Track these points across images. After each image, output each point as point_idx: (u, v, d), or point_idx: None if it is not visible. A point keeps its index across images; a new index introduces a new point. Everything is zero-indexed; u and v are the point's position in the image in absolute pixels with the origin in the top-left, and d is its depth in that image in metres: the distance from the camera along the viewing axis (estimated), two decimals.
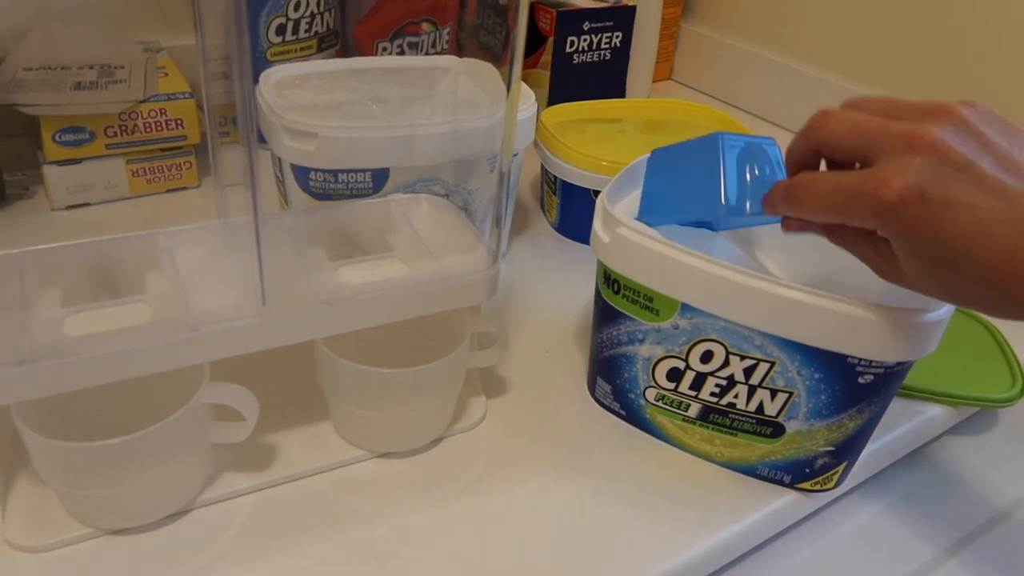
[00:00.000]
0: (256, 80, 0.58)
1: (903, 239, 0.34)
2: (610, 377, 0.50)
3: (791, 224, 0.40)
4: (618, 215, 0.45)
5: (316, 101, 0.59)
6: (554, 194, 0.70)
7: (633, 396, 0.49)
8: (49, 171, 0.66)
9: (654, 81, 1.07)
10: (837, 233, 0.39)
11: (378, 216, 0.50)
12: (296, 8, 0.74)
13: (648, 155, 0.51)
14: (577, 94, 0.90)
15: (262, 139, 0.56)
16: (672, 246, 0.43)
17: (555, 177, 0.69)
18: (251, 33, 0.75)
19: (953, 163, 0.33)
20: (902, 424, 0.52)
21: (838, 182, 0.36)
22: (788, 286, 0.40)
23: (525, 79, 0.91)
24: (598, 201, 0.48)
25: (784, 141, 0.42)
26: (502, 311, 0.60)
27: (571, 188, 0.67)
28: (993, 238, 0.32)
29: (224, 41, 0.39)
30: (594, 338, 0.51)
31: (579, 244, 0.70)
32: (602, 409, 0.52)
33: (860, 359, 0.40)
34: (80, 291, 0.41)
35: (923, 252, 0.34)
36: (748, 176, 0.42)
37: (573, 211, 0.70)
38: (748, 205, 0.41)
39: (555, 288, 0.64)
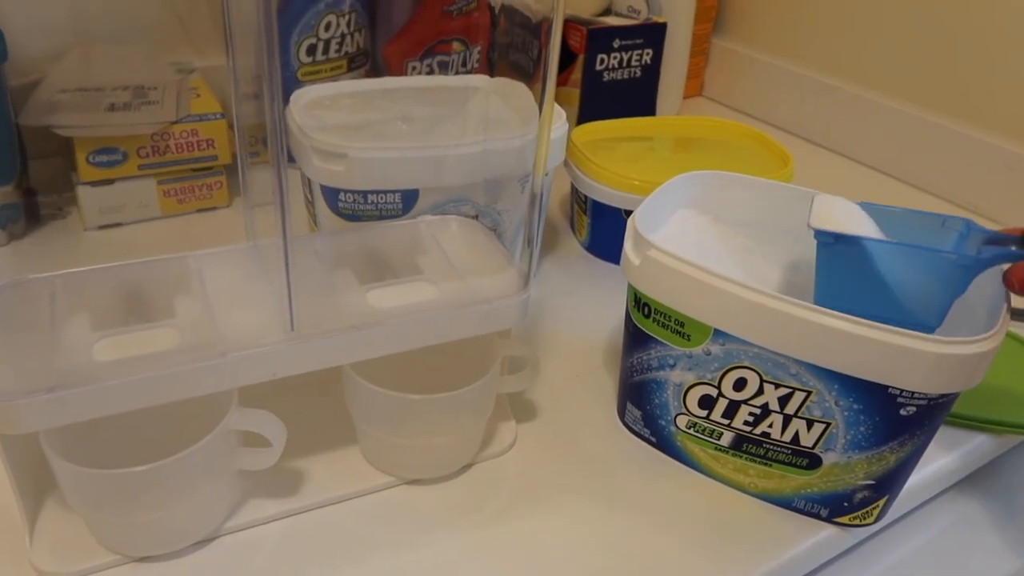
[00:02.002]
0: (287, 101, 0.58)
1: None
2: (640, 403, 0.49)
3: None
4: (649, 237, 0.44)
5: (346, 121, 0.59)
6: (584, 213, 0.70)
7: (664, 423, 0.48)
8: (83, 191, 0.66)
9: (685, 97, 1.06)
10: None
11: (407, 237, 0.49)
12: (327, 29, 0.75)
13: (685, 177, 0.51)
14: (607, 111, 0.89)
15: (291, 159, 0.56)
16: (705, 270, 0.42)
17: (585, 196, 0.68)
18: (282, 53, 0.76)
19: None
20: (946, 454, 0.50)
21: None
22: (825, 313, 0.39)
23: (555, 97, 0.90)
24: (629, 222, 0.47)
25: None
26: (532, 332, 0.60)
27: (601, 207, 0.67)
28: None
29: (255, 62, 0.39)
30: (624, 362, 0.50)
31: (609, 264, 0.69)
32: (632, 435, 0.51)
33: (902, 390, 0.39)
34: (110, 315, 0.41)
35: None
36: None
37: (604, 230, 0.69)
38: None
39: (585, 309, 0.63)
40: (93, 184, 0.66)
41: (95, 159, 0.65)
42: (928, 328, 0.42)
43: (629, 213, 0.66)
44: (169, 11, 0.81)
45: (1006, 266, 0.42)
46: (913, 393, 0.39)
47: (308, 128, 0.54)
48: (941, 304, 0.42)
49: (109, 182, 0.67)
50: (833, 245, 0.42)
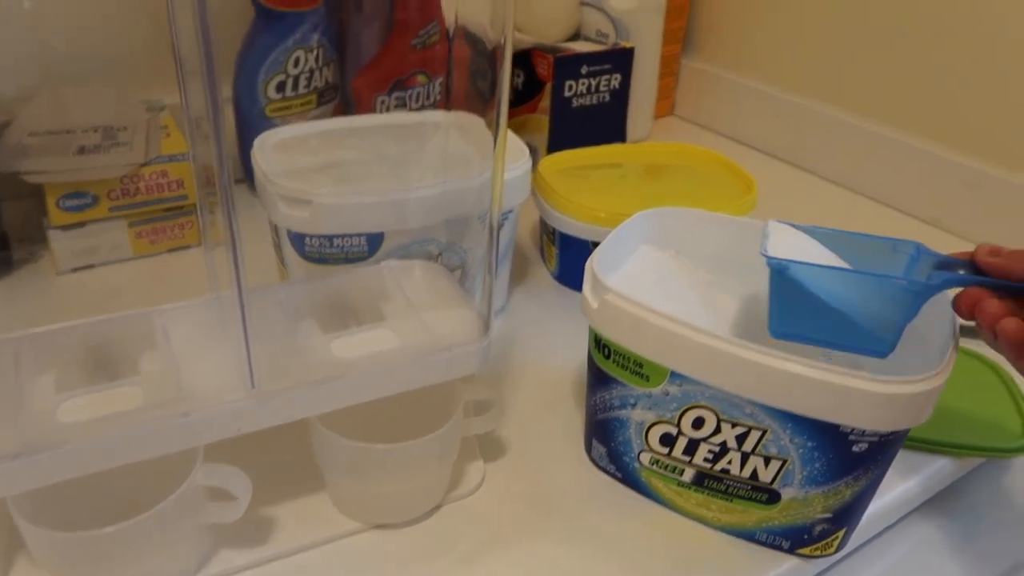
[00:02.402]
0: (251, 144, 0.59)
1: None
2: (605, 440, 0.50)
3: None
4: (605, 280, 0.45)
5: (310, 164, 0.60)
6: (553, 244, 0.71)
7: (628, 459, 0.49)
8: (54, 236, 0.67)
9: (657, 118, 1.07)
10: None
11: (371, 284, 0.50)
12: (295, 65, 0.75)
13: (653, 211, 0.52)
14: (577, 137, 0.90)
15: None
16: (660, 314, 0.43)
17: (553, 228, 0.69)
18: (249, 90, 0.76)
19: None
20: (905, 479, 0.51)
21: None
22: (773, 355, 0.40)
23: (524, 124, 0.91)
24: (587, 265, 0.48)
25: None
26: (501, 363, 0.60)
27: (569, 239, 0.68)
28: None
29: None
30: (588, 400, 0.51)
31: (579, 294, 0.70)
32: (599, 471, 0.52)
33: (853, 428, 0.40)
34: (75, 374, 0.41)
35: None
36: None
37: (572, 261, 0.70)
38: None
39: (554, 340, 0.64)
40: (64, 228, 0.67)
41: (65, 204, 0.66)
42: (880, 353, 0.43)
43: (596, 244, 0.67)
44: (138, 46, 0.82)
45: (956, 290, 0.43)
46: (864, 431, 0.40)
47: (273, 174, 0.55)
48: (893, 329, 0.43)
49: (80, 225, 0.67)
50: (785, 272, 0.43)
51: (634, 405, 0.47)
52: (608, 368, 0.47)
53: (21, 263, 0.70)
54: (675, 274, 0.53)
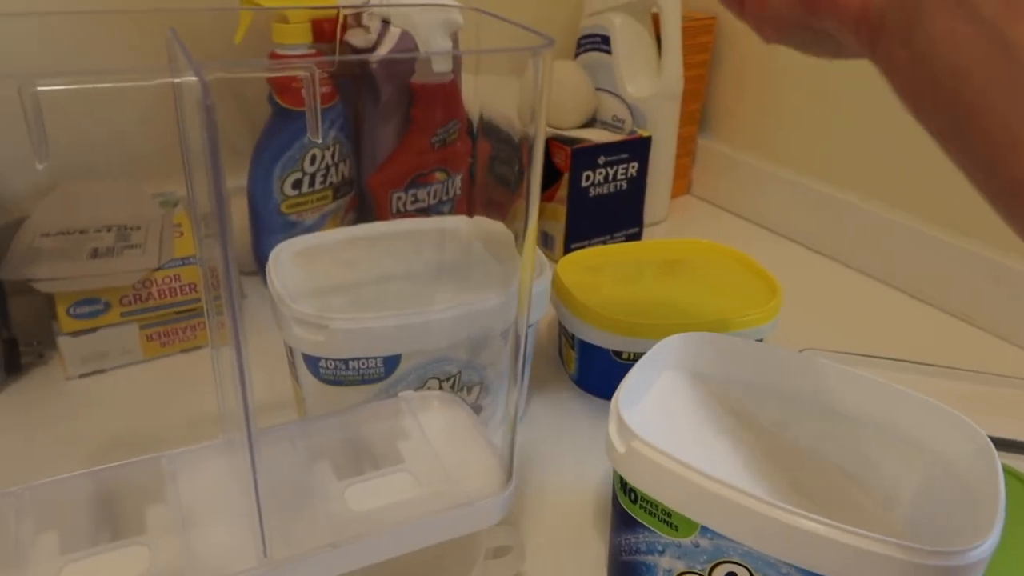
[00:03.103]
0: (267, 257, 0.58)
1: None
2: None
3: None
4: (633, 426, 0.43)
5: (327, 280, 0.59)
6: (572, 348, 0.69)
7: None
8: (64, 342, 0.66)
9: (673, 197, 1.06)
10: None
11: (388, 420, 0.49)
12: (312, 162, 0.75)
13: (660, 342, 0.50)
14: (595, 225, 0.89)
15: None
16: (688, 466, 0.41)
17: (572, 333, 0.67)
18: (265, 186, 0.76)
19: None
20: None
21: None
22: (809, 517, 0.38)
23: (540, 213, 0.91)
24: (612, 404, 0.46)
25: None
26: (520, 485, 0.58)
27: (589, 345, 0.66)
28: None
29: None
30: (612, 539, 0.48)
31: (599, 400, 0.68)
32: None
33: None
34: (79, 532, 0.40)
35: None
36: None
37: (592, 367, 0.68)
38: None
39: (575, 453, 0.62)
40: (74, 334, 0.66)
41: (76, 311, 0.65)
42: None
43: (617, 353, 0.65)
44: (150, 139, 0.82)
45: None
46: None
47: (287, 293, 0.53)
48: None
49: (91, 331, 0.66)
50: None
51: (662, 552, 0.45)
52: (635, 512, 0.45)
53: (30, 366, 0.68)
54: (703, 403, 0.52)
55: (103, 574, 0.37)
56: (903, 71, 0.31)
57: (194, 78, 0.27)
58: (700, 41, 1.00)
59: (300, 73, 0.36)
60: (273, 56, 0.72)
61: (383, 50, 0.73)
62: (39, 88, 0.29)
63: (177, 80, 0.29)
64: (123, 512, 0.41)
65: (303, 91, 0.37)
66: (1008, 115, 0.27)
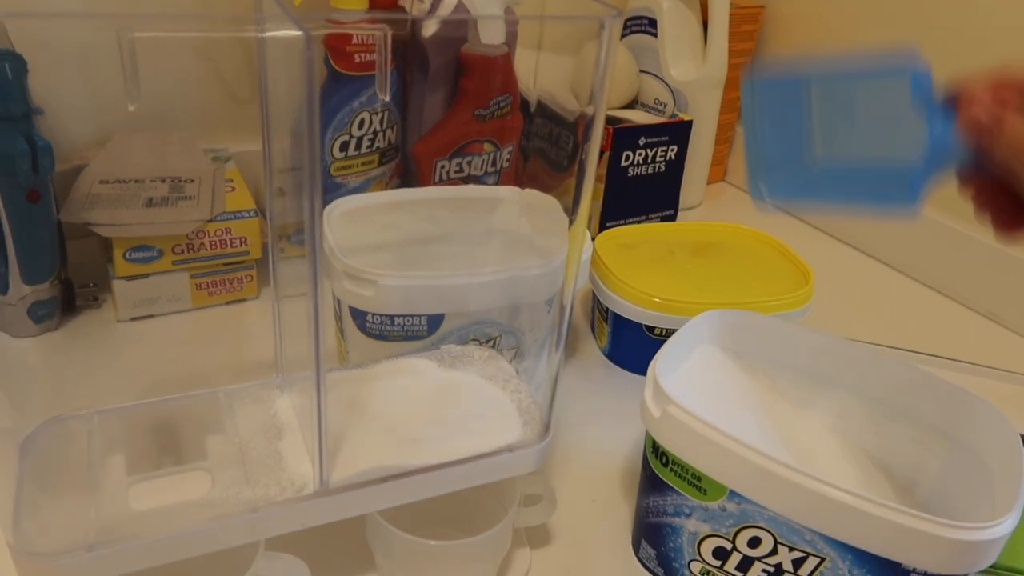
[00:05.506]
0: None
1: None
2: (655, 543, 0.50)
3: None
4: (669, 391, 0.45)
5: (377, 237, 0.61)
6: (605, 322, 0.71)
7: (678, 566, 0.49)
8: (118, 285, 0.68)
9: (709, 183, 1.07)
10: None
11: (431, 371, 0.51)
12: (360, 126, 0.77)
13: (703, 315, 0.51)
14: (632, 205, 0.91)
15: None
16: (722, 432, 0.43)
17: (607, 307, 0.69)
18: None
19: None
20: None
21: None
22: (837, 487, 0.40)
23: None
24: (649, 371, 0.48)
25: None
26: (549, 449, 0.60)
27: (622, 319, 0.68)
28: None
29: (290, 157, 0.39)
30: (640, 500, 0.51)
31: (629, 374, 0.70)
32: (646, 571, 0.51)
33: (915, 568, 0.40)
34: (144, 455, 0.42)
35: None
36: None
37: (624, 341, 0.70)
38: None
39: (603, 423, 0.64)
40: (128, 278, 0.68)
41: (131, 256, 0.67)
42: (907, 200, 0.36)
43: (650, 328, 0.67)
44: (204, 95, 0.84)
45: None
46: (926, 572, 0.40)
47: (340, 249, 0.55)
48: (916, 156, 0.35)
49: (144, 276, 0.69)
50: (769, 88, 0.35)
51: (688, 515, 0.47)
52: (665, 475, 0.47)
53: (83, 308, 0.71)
54: (735, 378, 0.53)
55: (169, 495, 0.40)
56: None
57: (297, 32, 0.29)
58: (746, 29, 1.00)
59: (378, 32, 0.38)
60: (331, 22, 0.74)
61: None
62: (136, 35, 0.32)
63: (276, 33, 0.31)
64: (184, 440, 0.44)
65: (375, 51, 0.39)
66: None
